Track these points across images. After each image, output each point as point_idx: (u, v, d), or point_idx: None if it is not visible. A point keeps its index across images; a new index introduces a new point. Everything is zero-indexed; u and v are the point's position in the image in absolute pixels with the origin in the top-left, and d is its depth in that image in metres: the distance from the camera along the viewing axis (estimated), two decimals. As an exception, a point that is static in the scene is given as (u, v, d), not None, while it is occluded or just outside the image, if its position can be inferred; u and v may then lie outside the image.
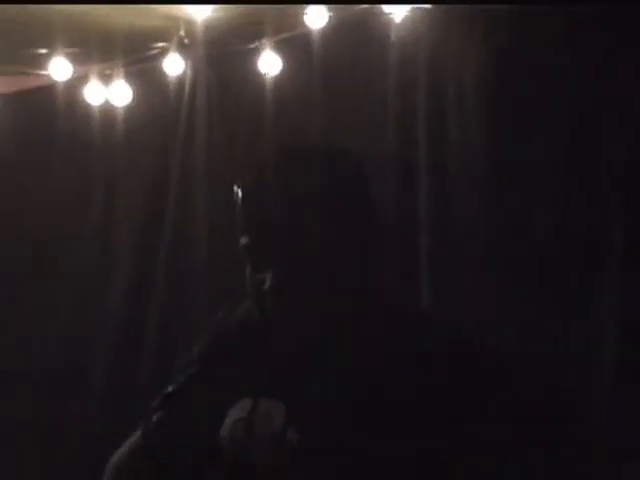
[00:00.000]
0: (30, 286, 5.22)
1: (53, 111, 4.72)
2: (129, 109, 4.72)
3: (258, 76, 4.46)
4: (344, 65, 4.40)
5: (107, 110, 4.71)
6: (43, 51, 4.49)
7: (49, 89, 4.68)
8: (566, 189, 4.30)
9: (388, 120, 4.42)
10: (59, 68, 4.52)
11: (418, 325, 2.30)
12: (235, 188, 2.30)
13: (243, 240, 2.24)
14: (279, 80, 4.42)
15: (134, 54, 4.65)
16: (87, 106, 4.68)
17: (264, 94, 4.52)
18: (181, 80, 4.62)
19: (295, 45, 4.41)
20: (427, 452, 2.22)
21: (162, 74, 4.58)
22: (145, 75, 4.71)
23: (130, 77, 4.68)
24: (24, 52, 4.56)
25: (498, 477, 2.36)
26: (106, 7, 4.24)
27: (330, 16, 4.24)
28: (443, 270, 4.62)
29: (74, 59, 4.54)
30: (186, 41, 4.45)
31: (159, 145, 4.88)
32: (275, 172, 2.21)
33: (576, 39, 4.09)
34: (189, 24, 4.37)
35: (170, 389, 2.26)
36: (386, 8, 4.28)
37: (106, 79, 4.67)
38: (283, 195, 2.21)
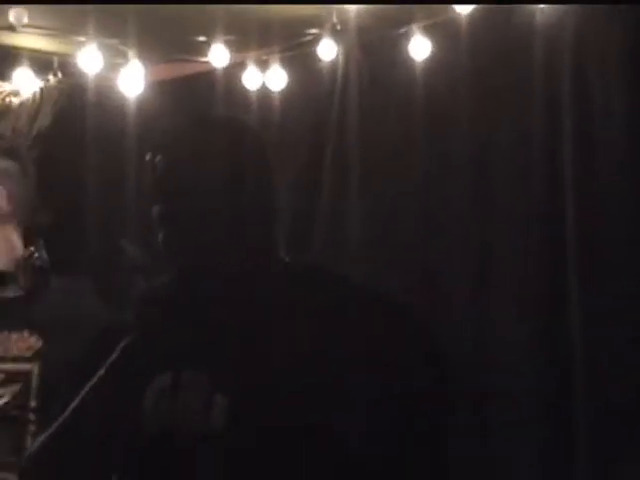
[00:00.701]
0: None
1: (212, 95, 4.77)
2: (284, 93, 4.78)
3: (408, 60, 4.46)
4: (490, 50, 4.39)
5: (264, 94, 4.77)
6: (203, 39, 4.63)
7: (209, 75, 4.77)
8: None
9: (532, 105, 4.41)
10: (218, 55, 4.64)
11: (317, 279, 2.29)
12: (148, 157, 2.26)
13: (156, 209, 2.18)
14: (428, 64, 4.43)
15: (289, 41, 4.74)
16: (245, 91, 4.75)
17: (414, 78, 4.50)
18: (334, 65, 4.64)
19: (444, 30, 4.42)
20: (346, 403, 2.17)
21: (316, 59, 4.62)
22: (299, 61, 4.77)
23: (285, 63, 4.75)
24: (185, 40, 4.70)
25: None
26: None
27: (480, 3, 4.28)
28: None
29: (232, 46, 4.65)
30: (338, 27, 4.49)
31: (313, 127, 4.90)
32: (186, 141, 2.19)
33: None
34: (341, 11, 4.43)
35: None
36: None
37: (263, 65, 4.74)
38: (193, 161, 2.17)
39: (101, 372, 2.15)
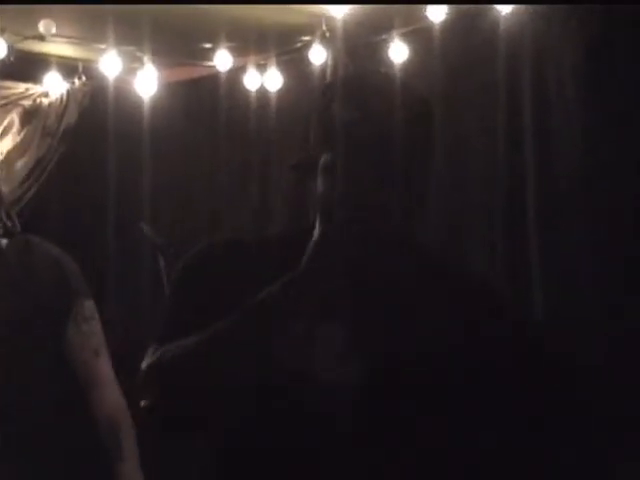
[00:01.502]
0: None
1: (218, 95, 4.77)
2: (280, 93, 4.77)
3: (388, 63, 4.46)
4: (459, 53, 4.37)
5: (262, 94, 4.78)
6: (208, 46, 4.61)
7: (214, 77, 4.75)
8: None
9: (497, 99, 4.37)
10: (222, 60, 4.63)
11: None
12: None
13: (325, 156, 2.12)
14: (405, 66, 4.41)
15: (284, 46, 4.72)
16: (246, 91, 4.76)
17: (395, 82, 4.61)
18: (323, 68, 4.65)
19: (419, 36, 4.41)
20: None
21: (307, 63, 4.62)
22: (293, 64, 4.76)
23: (281, 66, 4.74)
24: (193, 47, 4.66)
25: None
26: (261, 7, 4.31)
27: (449, 10, 4.26)
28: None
29: (234, 52, 4.65)
30: (327, 35, 4.50)
31: (305, 121, 4.97)
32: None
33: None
34: (329, 20, 4.42)
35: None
36: (494, 6, 4.23)
37: (261, 68, 4.74)
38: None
39: (242, 312, 1.96)
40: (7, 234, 3.29)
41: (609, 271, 4.17)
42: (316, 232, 1.99)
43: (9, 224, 3.41)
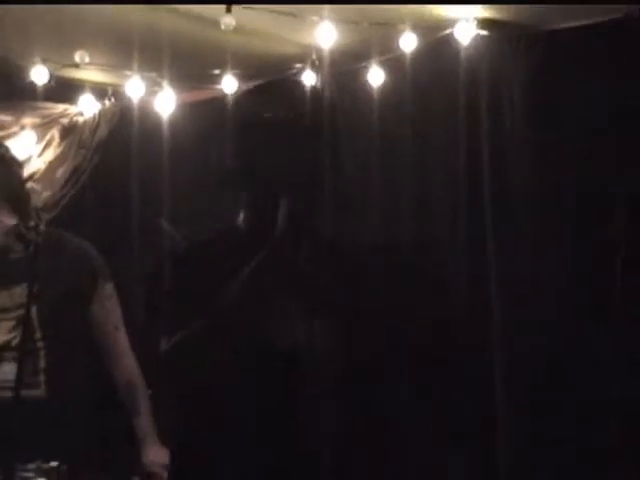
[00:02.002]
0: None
1: (225, 114, 4.73)
2: (276, 112, 4.42)
3: (367, 86, 4.53)
4: (427, 78, 4.41)
5: (262, 113, 4.45)
6: (217, 72, 4.64)
7: (222, 99, 4.77)
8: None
9: (458, 117, 4.36)
10: (228, 84, 4.67)
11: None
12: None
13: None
14: (381, 89, 4.48)
15: (282, 72, 4.75)
16: (247, 111, 4.63)
17: (372, 99, 4.53)
18: (314, 89, 4.67)
19: (393, 64, 4.44)
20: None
21: (301, 85, 4.64)
22: (289, 86, 4.74)
23: (279, 87, 4.77)
24: (204, 73, 4.66)
25: None
26: (263, 38, 4.37)
27: (418, 41, 4.28)
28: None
29: (239, 77, 4.70)
30: (317, 62, 4.54)
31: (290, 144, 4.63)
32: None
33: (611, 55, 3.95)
34: (319, 50, 4.46)
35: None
36: (460, 36, 4.24)
37: (263, 89, 4.73)
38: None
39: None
40: (34, 229, 3.35)
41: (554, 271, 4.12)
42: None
43: (37, 222, 3.51)
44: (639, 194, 3.96)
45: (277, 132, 4.65)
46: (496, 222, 4.26)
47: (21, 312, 3.41)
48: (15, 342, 3.49)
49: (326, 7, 4.12)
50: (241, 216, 2.11)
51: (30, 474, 3.24)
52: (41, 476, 3.18)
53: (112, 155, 5.14)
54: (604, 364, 4.00)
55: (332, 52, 4.40)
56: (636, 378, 3.95)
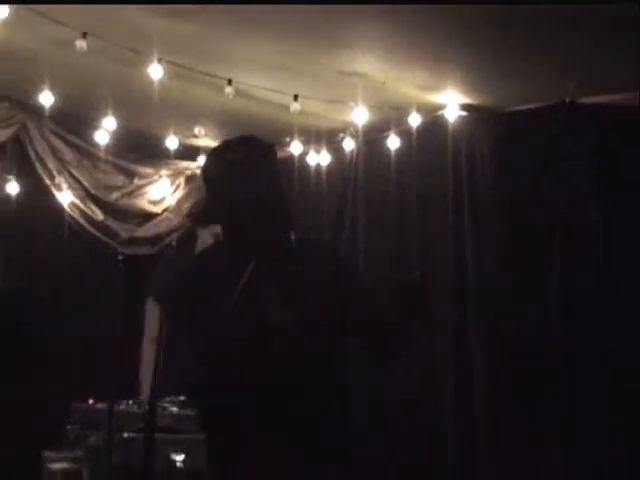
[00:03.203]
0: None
1: (293, 168, 4.87)
2: (328, 167, 5.00)
3: (388, 150, 4.68)
4: (426, 144, 4.57)
5: (318, 167, 5.01)
6: (288, 139, 4.78)
7: (291, 158, 4.90)
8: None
9: (445, 177, 4.48)
10: (296, 147, 4.83)
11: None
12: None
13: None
14: (397, 152, 4.65)
15: (330, 139, 4.94)
16: (308, 166, 4.98)
17: (390, 158, 4.67)
18: (352, 152, 4.90)
19: (405, 134, 4.60)
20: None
21: (342, 149, 4.90)
22: (336, 149, 4.97)
23: (328, 150, 4.98)
24: (279, 140, 4.66)
25: None
26: (317, 118, 4.54)
27: (421, 119, 4.44)
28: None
29: (302, 142, 4.86)
30: (353, 132, 4.75)
31: (341, 182, 4.99)
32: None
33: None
34: (355, 125, 4.63)
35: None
36: (448, 116, 4.35)
37: (317, 151, 4.99)
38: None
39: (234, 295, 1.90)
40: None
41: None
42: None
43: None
44: (571, 226, 4.02)
45: (327, 178, 4.91)
46: (475, 246, 4.32)
47: None
48: None
49: (359, 96, 4.25)
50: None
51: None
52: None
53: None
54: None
55: (363, 127, 4.58)
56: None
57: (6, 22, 3.38)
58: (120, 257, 4.20)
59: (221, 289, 1.93)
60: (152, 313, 4.10)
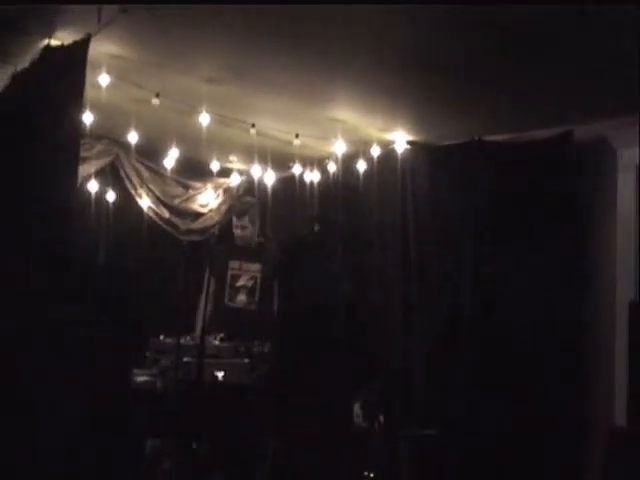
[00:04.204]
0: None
1: (294, 184, 5.18)
2: (318, 183, 5.10)
3: (356, 171, 4.90)
4: (383, 168, 4.73)
5: (312, 183, 5.13)
6: (291, 164, 5.13)
7: (293, 177, 5.20)
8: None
9: (395, 197, 4.67)
10: (296, 169, 5.13)
11: None
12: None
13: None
14: (365, 173, 4.87)
15: (319, 163, 5.19)
16: (305, 183, 5.17)
17: (358, 178, 4.87)
18: (334, 172, 5.08)
19: (368, 159, 4.84)
20: None
21: (327, 170, 5.05)
22: (323, 170, 5.16)
23: (318, 170, 5.18)
24: (284, 164, 5.08)
25: None
26: (311, 148, 4.74)
27: (380, 150, 4.73)
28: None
29: (301, 165, 5.17)
30: (335, 159, 4.99)
31: (326, 196, 5.10)
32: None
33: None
34: (336, 154, 4.88)
35: None
36: (398, 148, 4.59)
37: (310, 171, 5.15)
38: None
39: None
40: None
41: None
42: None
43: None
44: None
45: (317, 190, 5.09)
46: (417, 236, 4.56)
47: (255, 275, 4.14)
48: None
49: (339, 134, 4.50)
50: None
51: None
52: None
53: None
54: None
55: (342, 155, 4.86)
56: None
57: (107, 87, 3.81)
58: (184, 242, 5.08)
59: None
60: (207, 278, 4.73)
